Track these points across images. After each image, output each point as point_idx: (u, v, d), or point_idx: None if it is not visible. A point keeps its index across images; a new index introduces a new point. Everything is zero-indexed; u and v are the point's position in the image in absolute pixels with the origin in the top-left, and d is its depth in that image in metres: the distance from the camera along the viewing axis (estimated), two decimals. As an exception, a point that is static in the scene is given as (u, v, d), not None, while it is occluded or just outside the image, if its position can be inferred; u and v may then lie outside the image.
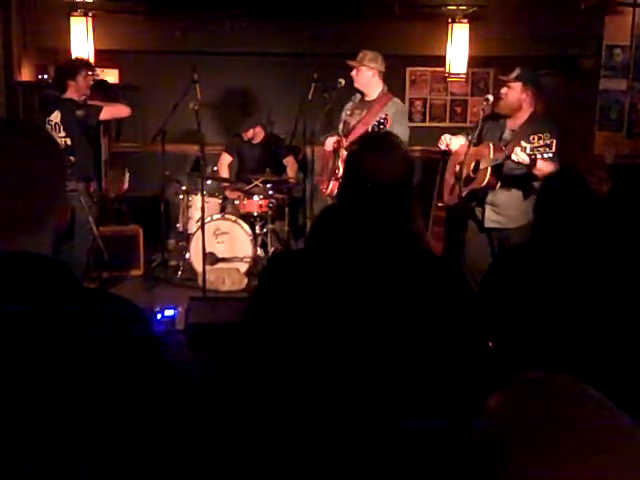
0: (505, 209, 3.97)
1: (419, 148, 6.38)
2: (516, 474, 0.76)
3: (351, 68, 4.52)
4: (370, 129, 4.39)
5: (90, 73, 4.91)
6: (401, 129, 4.41)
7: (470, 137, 4.17)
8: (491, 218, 4.01)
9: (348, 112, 4.62)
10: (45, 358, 1.09)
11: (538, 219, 2.45)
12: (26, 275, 1.12)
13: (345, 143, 4.54)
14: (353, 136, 4.54)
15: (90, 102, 4.90)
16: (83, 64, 4.98)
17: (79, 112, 4.72)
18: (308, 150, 4.60)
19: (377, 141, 1.81)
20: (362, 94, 4.62)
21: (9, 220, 1.14)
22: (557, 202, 2.37)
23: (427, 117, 7.03)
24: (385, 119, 4.25)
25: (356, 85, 4.55)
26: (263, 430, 1.61)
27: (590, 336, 2.13)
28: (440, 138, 4.21)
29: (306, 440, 1.55)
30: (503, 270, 2.41)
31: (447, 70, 6.57)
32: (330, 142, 4.58)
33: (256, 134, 6.03)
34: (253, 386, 1.67)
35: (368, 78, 4.54)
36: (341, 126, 4.62)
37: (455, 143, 4.16)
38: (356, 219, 1.67)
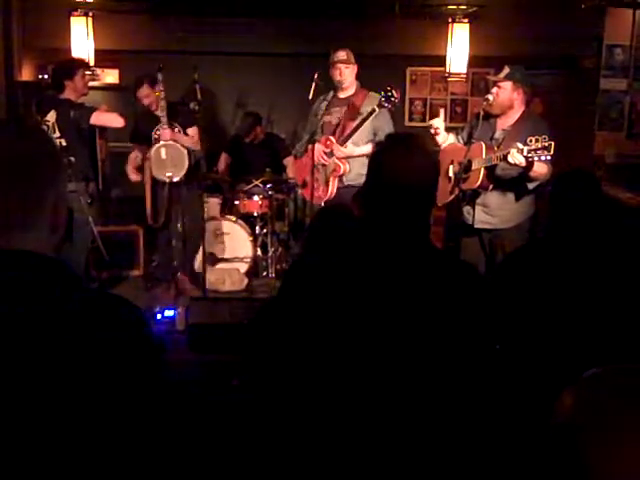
0: (496, 210, 3.94)
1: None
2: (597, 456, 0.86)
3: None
4: (377, 112, 4.35)
5: (88, 73, 4.90)
6: (385, 121, 4.41)
7: (460, 136, 4.15)
8: (481, 219, 3.99)
9: (323, 112, 4.61)
10: (43, 358, 1.09)
11: (553, 218, 2.43)
12: (24, 273, 1.12)
13: (336, 141, 4.52)
14: (343, 133, 4.54)
15: (87, 104, 4.90)
16: (80, 64, 4.96)
17: (72, 112, 4.71)
18: (310, 149, 4.59)
19: (406, 142, 1.74)
20: (335, 92, 4.62)
21: (3, 218, 1.14)
22: (573, 201, 2.36)
23: (427, 117, 7.02)
24: (391, 90, 4.26)
25: (345, 84, 4.56)
26: (282, 431, 1.60)
27: (606, 338, 2.12)
28: (432, 121, 4.15)
29: (327, 440, 1.54)
30: (515, 270, 2.40)
31: (447, 70, 6.57)
32: (320, 146, 4.52)
33: (257, 135, 6.03)
34: (276, 388, 1.65)
35: (353, 75, 4.59)
36: (319, 125, 4.57)
37: (443, 134, 4.11)
38: (386, 221, 1.63)
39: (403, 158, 1.64)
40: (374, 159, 1.72)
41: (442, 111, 4.27)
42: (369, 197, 1.68)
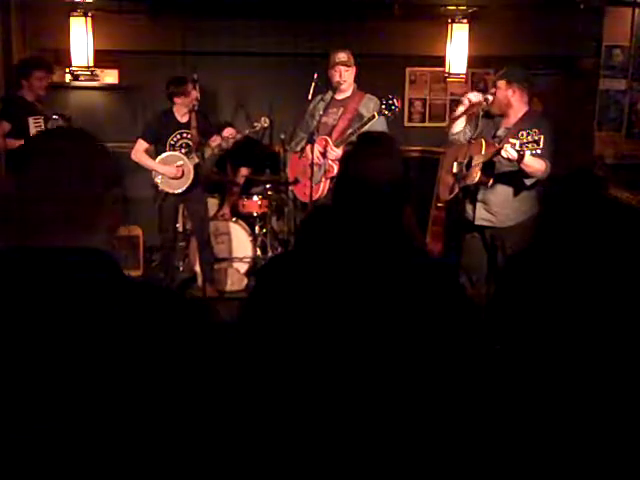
0: (496, 207, 3.97)
1: (419, 148, 6.38)
2: None
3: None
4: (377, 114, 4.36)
5: (46, 75, 4.86)
6: (380, 125, 4.41)
7: (468, 133, 4.17)
8: (482, 216, 4.02)
9: (321, 112, 4.62)
10: (107, 351, 1.12)
11: (546, 217, 2.45)
12: (95, 270, 1.17)
13: (332, 142, 4.52)
14: (337, 134, 4.55)
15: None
16: (38, 64, 4.91)
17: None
18: (308, 149, 4.59)
19: (375, 140, 1.79)
20: (332, 93, 4.63)
21: (66, 224, 1.18)
22: (569, 202, 2.37)
23: (427, 117, 7.03)
24: (393, 99, 4.27)
25: (344, 85, 4.56)
26: (258, 432, 1.60)
27: (602, 339, 2.12)
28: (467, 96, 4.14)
29: (301, 442, 1.55)
30: (516, 272, 2.40)
31: (447, 70, 6.58)
32: (316, 145, 4.52)
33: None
34: (248, 390, 1.66)
35: (352, 77, 4.61)
36: (315, 125, 4.57)
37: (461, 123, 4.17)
38: (353, 219, 1.65)
39: (368, 156, 1.68)
40: (344, 157, 1.77)
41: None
42: (338, 193, 1.72)
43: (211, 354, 1.24)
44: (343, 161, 1.76)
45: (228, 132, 5.12)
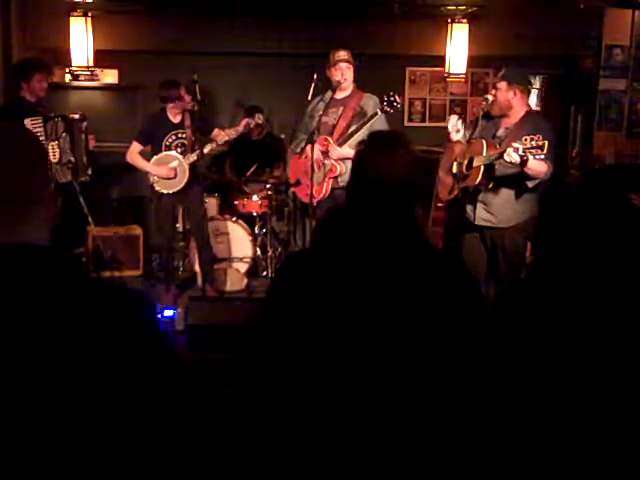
0: (496, 208, 3.97)
1: (419, 148, 6.38)
2: None
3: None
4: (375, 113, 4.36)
5: (45, 77, 4.86)
6: (381, 124, 4.40)
7: (467, 131, 4.17)
8: (482, 216, 4.01)
9: (320, 112, 4.62)
10: (50, 347, 1.10)
11: (576, 220, 2.42)
12: (28, 267, 1.14)
13: (333, 141, 4.52)
14: (338, 133, 4.55)
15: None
16: (38, 67, 4.89)
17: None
18: (308, 149, 4.59)
19: (387, 139, 1.78)
20: (332, 92, 4.63)
21: (6, 212, 1.16)
22: (595, 208, 2.35)
23: (427, 117, 7.03)
24: (393, 95, 4.27)
25: (345, 83, 4.56)
26: (274, 428, 1.61)
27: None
28: (450, 121, 4.10)
29: (317, 436, 1.55)
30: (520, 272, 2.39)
31: (447, 70, 6.58)
32: (317, 145, 4.51)
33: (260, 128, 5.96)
34: (266, 385, 1.67)
35: (352, 75, 4.60)
36: (315, 125, 4.57)
37: (457, 134, 4.12)
38: (368, 218, 1.66)
39: (383, 155, 1.68)
40: (357, 157, 1.77)
41: (455, 117, 4.21)
42: (352, 193, 1.73)
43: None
44: (356, 161, 1.75)
45: (223, 131, 5.11)
